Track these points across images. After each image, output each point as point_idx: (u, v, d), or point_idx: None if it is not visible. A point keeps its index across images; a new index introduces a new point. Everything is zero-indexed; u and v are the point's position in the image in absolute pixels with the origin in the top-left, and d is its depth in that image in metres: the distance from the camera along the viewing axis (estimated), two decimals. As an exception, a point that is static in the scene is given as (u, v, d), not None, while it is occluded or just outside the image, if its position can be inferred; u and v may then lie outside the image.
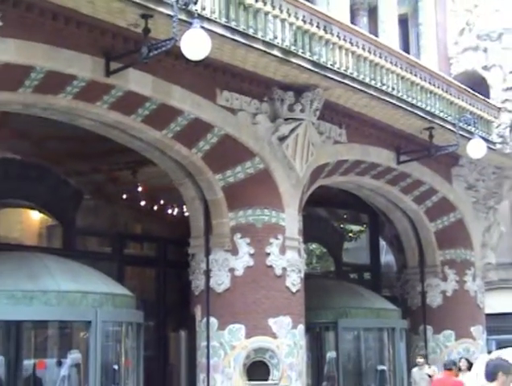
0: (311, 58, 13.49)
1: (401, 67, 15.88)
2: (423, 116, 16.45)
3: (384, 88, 15.25)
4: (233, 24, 12.04)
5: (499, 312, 24.29)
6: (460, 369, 14.69)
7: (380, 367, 19.13)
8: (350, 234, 24.14)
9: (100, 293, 12.56)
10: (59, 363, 14.12)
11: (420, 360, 16.05)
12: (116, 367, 13.36)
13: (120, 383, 13.24)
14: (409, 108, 16.01)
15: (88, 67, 11.57)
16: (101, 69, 11.67)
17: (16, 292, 11.80)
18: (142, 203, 17.60)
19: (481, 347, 19.84)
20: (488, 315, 21.33)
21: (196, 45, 10.60)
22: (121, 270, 15.36)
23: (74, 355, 13.93)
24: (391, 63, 15.57)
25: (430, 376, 15.53)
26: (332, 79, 14.02)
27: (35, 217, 15.84)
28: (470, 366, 14.06)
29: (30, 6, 10.67)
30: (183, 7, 10.76)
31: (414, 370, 16.45)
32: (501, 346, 16.01)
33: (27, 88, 11.49)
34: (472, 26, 21.74)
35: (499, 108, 19.79)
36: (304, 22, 13.41)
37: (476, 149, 16.63)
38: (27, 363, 13.79)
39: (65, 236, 15.09)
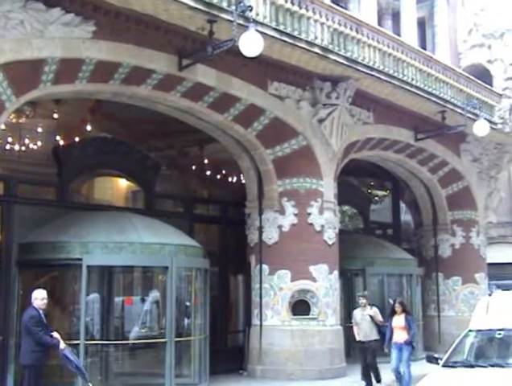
0: (345, 54, 13.36)
1: (419, 61, 15.65)
2: (437, 101, 16.22)
3: (405, 78, 15.05)
4: (281, 27, 11.98)
5: (498, 262, 23.97)
6: (394, 312, 12.15)
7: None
8: (376, 198, 23.92)
9: (175, 244, 12.62)
10: (143, 300, 14.32)
11: (363, 301, 12.75)
12: (188, 303, 13.46)
13: (191, 316, 13.34)
14: (425, 95, 15.79)
15: (164, 63, 11.59)
16: (174, 65, 11.69)
17: (108, 243, 11.93)
18: (208, 172, 17.62)
19: (484, 291, 19.61)
20: (489, 264, 21.05)
21: (251, 44, 10.58)
22: (191, 226, 15.38)
23: (154, 294, 14.12)
24: (411, 58, 15.36)
25: (371, 317, 12.55)
26: (362, 71, 13.87)
27: (123, 184, 15.94)
28: (404, 309, 12.13)
29: (118, 13, 10.72)
30: (241, 14, 10.73)
31: (356, 311, 12.88)
32: (499, 289, 15.72)
33: (116, 80, 11.56)
34: (479, 26, 21.35)
35: (500, 95, 19.43)
36: (339, 24, 13.27)
37: (480, 128, 16.39)
38: (117, 299, 13.98)
39: (147, 198, 15.16)
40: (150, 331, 14.01)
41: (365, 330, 12.55)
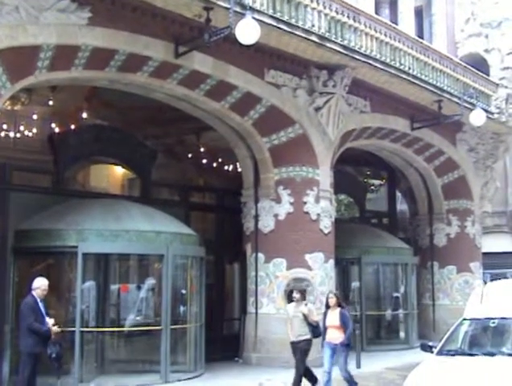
0: (342, 43, 13.32)
1: (416, 50, 15.61)
2: (434, 90, 16.18)
3: (402, 67, 15.02)
4: (278, 15, 11.92)
5: (493, 251, 24.03)
6: (328, 306, 10.72)
7: (395, 294, 19.07)
8: (372, 187, 23.95)
9: (171, 232, 12.62)
10: (139, 288, 14.31)
11: (296, 295, 10.88)
12: (183, 291, 13.48)
13: (186, 304, 13.36)
14: (422, 84, 15.76)
15: (160, 51, 11.53)
16: (171, 52, 11.63)
17: (104, 231, 11.93)
18: (204, 160, 17.60)
19: (478, 280, 19.67)
20: (484, 254, 21.11)
21: (248, 32, 10.54)
22: (187, 215, 15.39)
23: (150, 282, 14.11)
24: (408, 46, 15.32)
25: (304, 315, 10.69)
26: (359, 60, 13.83)
27: (119, 171, 15.92)
28: (339, 303, 10.71)
29: (114, 0, 10.63)
30: (238, 1, 10.72)
31: (289, 305, 11.12)
32: (494, 278, 15.74)
33: (112, 67, 11.50)
34: (476, 16, 21.27)
35: (497, 85, 19.40)
36: (337, 13, 13.21)
37: (477, 118, 16.38)
38: (113, 287, 13.99)
39: (143, 186, 15.15)
40: (146, 319, 14.02)
41: (295, 329, 10.86)
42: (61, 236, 11.79)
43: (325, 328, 10.67)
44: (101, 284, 13.20)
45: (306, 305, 10.93)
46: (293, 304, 11.07)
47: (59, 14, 10.07)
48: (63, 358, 9.53)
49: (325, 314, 10.78)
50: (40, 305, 9.30)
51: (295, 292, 11.13)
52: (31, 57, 10.23)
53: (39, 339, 9.10)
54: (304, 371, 10.99)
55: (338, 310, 10.59)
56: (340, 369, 10.63)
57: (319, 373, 11.02)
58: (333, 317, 10.60)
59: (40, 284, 9.37)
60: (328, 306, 10.77)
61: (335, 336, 10.53)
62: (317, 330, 10.74)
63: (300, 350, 10.77)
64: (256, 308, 14.36)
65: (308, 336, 10.76)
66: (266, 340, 14.11)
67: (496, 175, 21.50)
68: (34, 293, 9.32)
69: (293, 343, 10.91)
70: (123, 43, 11.04)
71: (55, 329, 9.20)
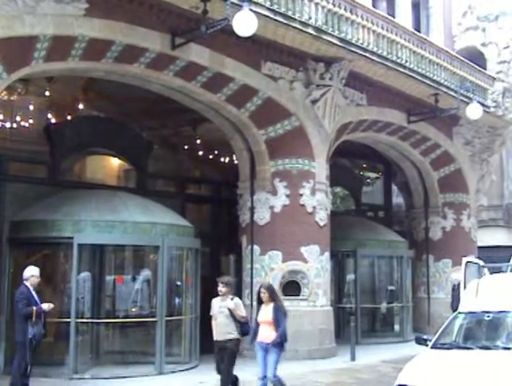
0: (339, 35, 13.31)
1: (413, 44, 15.61)
2: (430, 84, 16.20)
3: (399, 60, 15.03)
4: (275, 7, 11.90)
5: (489, 245, 24.08)
6: (260, 301, 9.43)
7: (390, 287, 19.13)
8: (368, 180, 23.96)
9: (166, 224, 12.64)
10: (134, 279, 14.35)
11: (222, 289, 9.47)
12: (179, 283, 13.49)
13: (181, 295, 13.38)
14: (419, 78, 15.78)
15: (157, 42, 11.52)
16: (167, 43, 11.61)
17: (100, 222, 11.95)
18: (200, 152, 17.61)
19: (474, 273, 19.69)
20: (479, 247, 21.14)
21: (245, 24, 10.52)
22: (183, 206, 15.41)
23: (145, 273, 14.15)
24: (405, 39, 15.32)
25: (230, 311, 9.31)
26: (355, 53, 13.83)
27: (115, 163, 15.93)
28: (272, 298, 9.37)
29: (111, -9, 10.63)
30: (235, -7, 10.65)
31: (214, 301, 9.61)
32: (493, 272, 15.68)
33: (109, 58, 11.48)
34: (473, 9, 21.29)
35: (494, 78, 19.43)
36: (334, 5, 13.21)
37: (473, 111, 16.39)
38: (108, 278, 14.01)
39: (139, 178, 15.15)
40: (141, 310, 14.05)
41: (221, 326, 9.46)
42: (57, 226, 11.80)
43: (257, 325, 9.41)
44: (96, 275, 13.22)
45: (232, 299, 9.53)
46: (218, 298, 9.62)
47: (56, 4, 10.05)
48: (40, 343, 9.46)
49: (258, 311, 9.53)
50: (34, 293, 9.35)
51: (221, 285, 9.58)
52: (28, 47, 10.21)
53: (35, 329, 9.16)
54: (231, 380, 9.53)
55: (272, 304, 9.32)
56: (269, 371, 9.24)
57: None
58: (266, 312, 9.35)
59: (32, 273, 9.43)
60: (260, 302, 9.48)
61: (267, 334, 9.23)
62: (246, 327, 9.46)
63: (227, 352, 9.35)
64: (251, 300, 14.36)
65: (236, 335, 9.42)
66: (261, 332, 14.13)
67: (492, 169, 21.55)
68: (26, 282, 9.38)
69: (218, 343, 9.48)
70: (120, 34, 11.02)
71: (47, 305, 9.29)
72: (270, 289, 9.44)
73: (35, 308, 9.18)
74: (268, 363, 9.27)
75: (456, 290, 16.79)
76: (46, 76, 12.78)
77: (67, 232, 11.72)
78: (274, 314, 9.25)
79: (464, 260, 9.77)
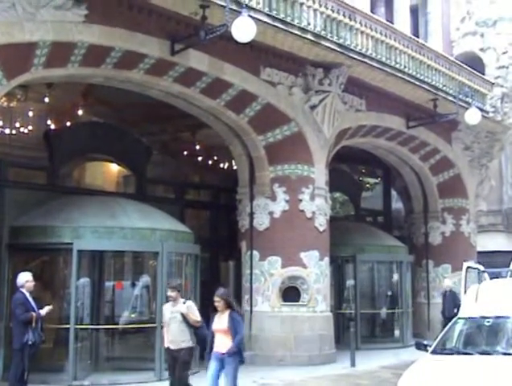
0: (337, 41, 13.37)
1: (411, 49, 15.68)
2: (429, 89, 16.26)
3: (397, 66, 15.09)
4: (274, 13, 11.97)
5: (488, 250, 24.09)
6: (216, 310, 8.72)
7: (390, 293, 19.15)
8: (367, 185, 24.00)
9: (166, 229, 12.64)
10: (133, 285, 14.34)
11: (171, 294, 9.00)
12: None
13: (181, 301, 13.33)
14: (417, 83, 15.83)
15: (156, 48, 11.55)
16: (167, 49, 11.64)
17: (99, 228, 11.94)
18: (200, 158, 17.63)
19: (473, 278, 19.70)
20: (479, 252, 21.15)
21: (244, 30, 10.55)
22: (182, 212, 15.41)
23: (145, 279, 14.14)
24: (403, 45, 15.39)
25: (183, 316, 8.81)
26: (354, 58, 13.88)
27: (114, 169, 15.93)
28: (228, 305, 8.68)
29: (111, -3, 10.67)
30: (234, -1, 10.70)
31: (165, 306, 9.18)
32: (492, 277, 15.61)
33: (108, 64, 11.51)
34: (472, 14, 21.40)
35: (492, 83, 19.49)
36: (332, 11, 13.27)
37: (472, 116, 16.40)
38: (108, 284, 14.00)
39: (138, 184, 15.16)
40: (141, 316, 14.04)
41: (173, 334, 8.90)
42: (56, 232, 11.80)
43: (213, 335, 8.71)
44: (95, 281, 13.19)
45: (184, 302, 9.02)
46: (169, 304, 9.13)
47: (55, 11, 10.08)
48: (38, 349, 9.47)
49: (213, 319, 8.82)
50: (30, 299, 9.38)
51: (169, 290, 9.13)
52: (28, 54, 10.23)
53: (31, 335, 9.18)
54: None
55: (227, 312, 8.65)
56: (228, 384, 8.54)
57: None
58: (221, 320, 8.67)
59: (26, 278, 9.48)
60: (215, 310, 8.79)
61: (222, 344, 8.52)
62: (201, 332, 8.90)
63: (179, 361, 8.80)
64: (251, 306, 14.39)
65: (190, 344, 8.89)
66: (260, 338, 14.14)
67: (491, 174, 21.60)
68: (22, 289, 9.40)
69: (170, 351, 8.95)
70: (119, 40, 11.05)
71: (45, 309, 9.32)
72: (224, 297, 8.76)
73: (34, 314, 9.19)
74: (225, 375, 8.53)
75: (447, 297, 16.84)
76: (45, 82, 12.79)
77: (66, 238, 11.72)
78: (230, 321, 8.60)
79: (465, 265, 9.79)
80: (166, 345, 9.07)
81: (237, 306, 9.08)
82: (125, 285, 14.41)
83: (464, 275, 9.43)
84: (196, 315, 9.01)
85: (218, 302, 8.71)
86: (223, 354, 8.50)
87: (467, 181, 20.32)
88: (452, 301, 16.65)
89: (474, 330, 8.50)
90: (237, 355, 8.55)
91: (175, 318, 8.94)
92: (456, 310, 16.42)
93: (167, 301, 9.27)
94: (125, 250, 13.12)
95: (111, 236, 11.98)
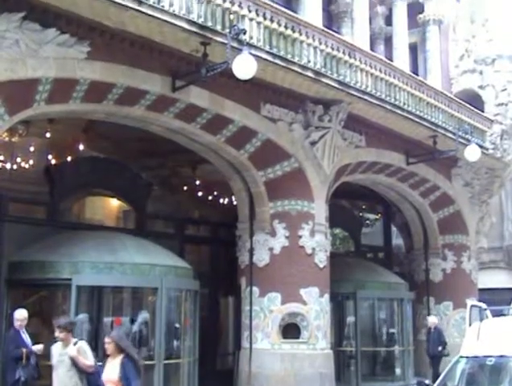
0: (337, 78, 13.47)
1: (411, 86, 15.79)
2: (429, 126, 16.33)
3: (397, 103, 15.18)
4: (274, 50, 12.08)
5: (489, 287, 24.02)
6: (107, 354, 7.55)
7: (391, 330, 19.02)
8: (367, 221, 24.01)
9: (165, 265, 12.63)
10: (132, 321, 14.24)
11: (59, 335, 7.94)
12: (177, 325, 13.42)
13: (180, 338, 13.29)
14: (417, 120, 15.91)
15: (158, 84, 11.65)
16: (168, 86, 11.74)
17: (99, 263, 11.95)
18: (200, 193, 17.66)
19: (475, 316, 19.60)
20: (480, 289, 21.06)
21: (244, 67, 10.64)
22: (182, 247, 15.41)
23: (144, 315, 14.03)
24: (403, 82, 15.50)
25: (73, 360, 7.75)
26: (354, 95, 13.98)
27: (114, 203, 15.97)
28: (121, 349, 7.42)
29: (114, 35, 10.78)
30: (235, 37, 10.82)
31: (54, 347, 8.09)
32: (496, 314, 15.49)
33: (110, 100, 11.60)
34: (471, 52, 21.62)
35: (492, 121, 19.61)
36: (332, 48, 13.41)
37: (472, 153, 16.49)
38: (106, 319, 13.92)
39: (138, 219, 15.20)
40: (139, 353, 13.92)
41: (61, 380, 7.79)
42: (55, 267, 11.81)
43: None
44: (94, 316, 13.13)
45: (75, 343, 7.90)
46: (59, 344, 8.03)
47: (58, 47, 10.19)
48: (32, 383, 9.37)
49: (104, 366, 7.69)
50: (23, 336, 9.37)
51: (57, 330, 7.96)
52: (30, 90, 10.33)
53: (24, 372, 9.14)
54: None
55: (120, 358, 7.34)
56: None
57: None
58: (111, 368, 7.39)
59: (18, 315, 9.51)
60: (107, 354, 7.53)
61: None
62: (94, 380, 7.77)
63: None
64: (250, 343, 14.28)
65: None
66: (260, 376, 14.01)
67: (491, 210, 21.60)
68: (15, 325, 9.42)
69: None
70: (121, 77, 11.16)
71: (37, 347, 9.26)
72: (116, 339, 7.45)
73: (24, 350, 9.15)
74: None
75: (431, 334, 16.74)
76: (47, 117, 12.89)
77: (65, 273, 11.72)
78: (122, 370, 7.25)
79: (469, 303, 9.75)
80: None
81: (134, 350, 7.84)
82: (123, 320, 14.31)
83: (468, 313, 9.38)
84: (87, 358, 7.94)
85: (108, 344, 7.45)
86: None
87: (467, 217, 20.33)
88: (437, 339, 16.56)
89: (476, 369, 8.44)
90: None
91: (64, 362, 7.85)
92: (440, 348, 16.40)
93: (55, 342, 8.18)
94: (124, 286, 13.07)
95: (110, 272, 11.98)
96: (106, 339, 7.50)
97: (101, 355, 9.66)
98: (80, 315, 12.31)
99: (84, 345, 8.05)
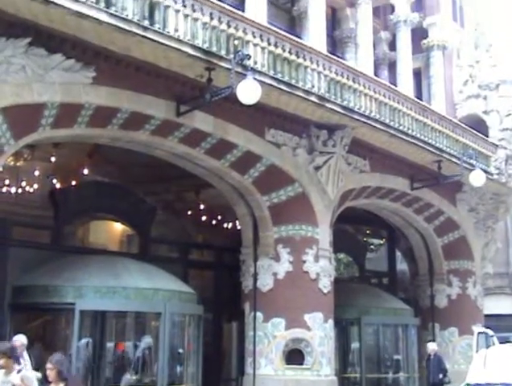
0: (341, 103, 13.55)
1: (415, 111, 15.86)
2: (433, 151, 16.37)
3: (401, 128, 15.24)
4: (279, 75, 12.18)
5: (495, 313, 23.88)
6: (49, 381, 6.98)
7: (395, 357, 18.89)
8: (372, 246, 23.94)
9: (169, 290, 12.63)
10: (135, 346, 14.22)
11: (1, 361, 7.36)
12: (181, 350, 13.38)
13: (183, 363, 13.24)
14: (421, 145, 15.95)
15: (162, 109, 11.74)
16: (172, 111, 11.84)
17: (102, 287, 11.97)
18: (204, 218, 17.69)
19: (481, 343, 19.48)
20: (486, 316, 20.92)
21: (249, 92, 10.73)
22: (185, 272, 15.40)
23: (147, 340, 14.01)
24: (407, 107, 15.57)
25: None
26: (358, 120, 14.05)
27: (118, 228, 16.01)
28: (62, 377, 6.79)
29: (119, 60, 10.91)
30: (239, 62, 10.92)
31: None
32: (503, 341, 15.34)
33: (114, 125, 11.70)
34: (475, 78, 21.75)
35: (496, 146, 19.65)
36: (336, 74, 13.51)
37: (477, 178, 16.48)
38: (109, 345, 13.89)
39: (141, 243, 15.22)
40: (142, 378, 13.88)
41: None
42: (58, 292, 11.83)
43: None
44: (97, 341, 13.11)
45: (19, 371, 7.34)
46: (1, 372, 7.42)
47: (64, 73, 10.30)
48: None
49: None
50: (20, 360, 9.37)
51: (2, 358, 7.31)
52: (36, 114, 10.44)
53: None
54: None
55: None
56: None
57: None
58: None
59: (16, 340, 9.54)
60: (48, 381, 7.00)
61: None
62: None
63: None
64: (254, 369, 14.21)
65: None
66: (263, 402, 13.94)
67: (497, 236, 21.56)
68: None
69: None
70: (126, 102, 11.26)
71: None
72: (58, 366, 6.86)
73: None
74: None
75: (431, 361, 16.57)
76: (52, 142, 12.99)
77: (68, 297, 11.74)
78: None
79: (476, 330, 9.72)
80: None
81: (77, 379, 7.60)
82: (127, 346, 14.29)
83: (475, 340, 9.36)
84: None
85: (50, 371, 6.90)
86: None
87: (472, 243, 20.27)
88: (437, 366, 16.38)
89: (483, 397, 8.40)
90: None
91: None
92: (441, 376, 16.23)
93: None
94: (127, 310, 13.07)
95: (114, 296, 11.99)
96: (48, 365, 6.95)
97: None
98: (83, 340, 12.29)
99: (27, 374, 7.54)
